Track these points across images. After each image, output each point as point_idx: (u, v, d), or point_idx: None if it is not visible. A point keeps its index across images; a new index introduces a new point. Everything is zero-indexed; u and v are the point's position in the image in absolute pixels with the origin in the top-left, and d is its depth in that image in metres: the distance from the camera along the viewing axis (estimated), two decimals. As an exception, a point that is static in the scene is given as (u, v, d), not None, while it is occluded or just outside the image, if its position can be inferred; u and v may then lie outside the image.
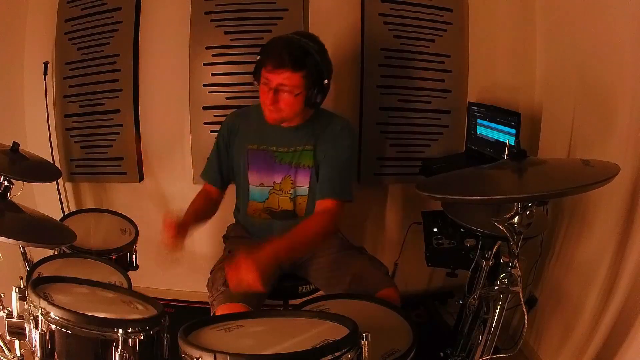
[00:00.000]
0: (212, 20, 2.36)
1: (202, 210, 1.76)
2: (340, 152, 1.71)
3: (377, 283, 1.61)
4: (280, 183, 1.78)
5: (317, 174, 1.74)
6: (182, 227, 1.57)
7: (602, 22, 1.80)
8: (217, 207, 1.85)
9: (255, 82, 1.64)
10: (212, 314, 1.57)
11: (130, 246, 1.95)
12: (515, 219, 1.21)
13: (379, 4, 2.39)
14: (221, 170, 1.84)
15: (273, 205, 1.81)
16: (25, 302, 1.25)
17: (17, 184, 1.66)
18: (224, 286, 1.55)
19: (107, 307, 1.29)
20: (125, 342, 1.15)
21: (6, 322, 1.37)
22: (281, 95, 1.58)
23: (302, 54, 1.54)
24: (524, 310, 1.30)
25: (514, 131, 2.06)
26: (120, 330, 1.14)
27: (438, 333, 2.42)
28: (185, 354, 1.00)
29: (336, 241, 1.87)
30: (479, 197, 1.23)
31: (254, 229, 1.88)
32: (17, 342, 1.48)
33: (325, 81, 1.62)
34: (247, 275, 1.30)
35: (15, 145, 1.68)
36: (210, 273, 1.74)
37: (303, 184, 1.77)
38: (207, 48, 2.39)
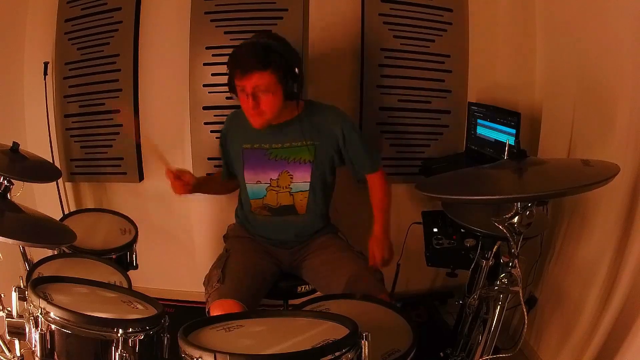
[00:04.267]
0: (212, 20, 2.36)
1: (215, 184, 2.03)
2: (355, 140, 1.82)
3: (370, 289, 1.61)
4: (278, 179, 1.81)
5: (322, 168, 1.82)
6: (187, 178, 1.75)
7: (602, 22, 1.80)
8: (232, 186, 2.04)
9: (234, 95, 1.71)
10: (206, 310, 1.58)
11: (130, 246, 1.95)
12: (515, 219, 1.21)
13: (379, 4, 2.39)
14: (229, 170, 1.98)
15: (271, 201, 1.83)
16: (25, 302, 1.25)
17: (17, 184, 1.66)
18: (218, 283, 1.60)
19: (107, 307, 1.30)
20: (125, 342, 1.15)
21: (6, 322, 1.38)
22: (260, 97, 1.62)
23: (264, 52, 1.58)
24: (524, 310, 1.30)
25: (513, 131, 2.06)
26: (120, 330, 1.14)
27: (438, 333, 2.42)
28: (185, 354, 1.00)
29: (334, 241, 1.88)
30: (479, 197, 1.23)
31: (255, 226, 1.90)
32: (17, 342, 1.47)
33: (296, 69, 1.66)
34: (387, 249, 1.82)
35: (15, 145, 1.68)
36: (208, 272, 1.75)
37: (303, 179, 1.80)
38: (207, 48, 2.39)
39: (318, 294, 1.83)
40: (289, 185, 1.81)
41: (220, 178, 2.02)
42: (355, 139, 1.82)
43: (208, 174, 2.38)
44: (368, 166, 1.87)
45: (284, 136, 1.79)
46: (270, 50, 1.59)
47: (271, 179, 1.81)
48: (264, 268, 1.77)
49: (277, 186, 1.81)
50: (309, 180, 1.81)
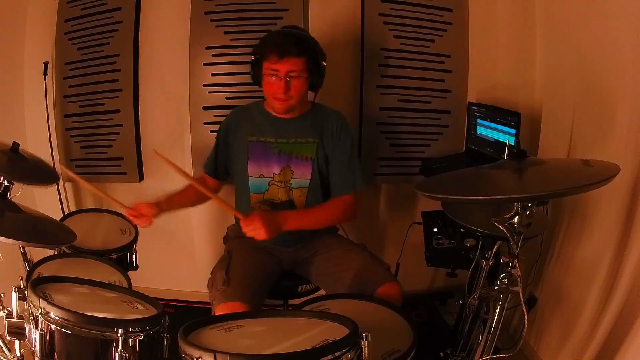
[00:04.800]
0: (212, 20, 2.36)
1: (187, 199, 1.86)
2: (344, 147, 1.82)
3: (379, 278, 1.63)
4: (280, 174, 1.82)
5: (320, 167, 1.82)
6: (155, 208, 1.74)
7: (601, 22, 1.80)
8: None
9: (256, 80, 1.75)
10: (212, 313, 1.58)
11: (130, 247, 1.95)
12: (515, 219, 1.21)
13: (379, 4, 2.39)
14: (216, 165, 1.95)
15: (273, 196, 1.84)
16: (25, 302, 1.25)
17: (17, 183, 1.66)
18: (224, 285, 1.59)
19: (107, 307, 1.30)
20: (125, 342, 1.15)
21: (6, 322, 1.38)
22: (291, 82, 1.68)
23: (300, 41, 1.69)
24: (524, 310, 1.30)
25: (513, 131, 2.06)
26: (120, 330, 1.14)
27: (438, 333, 2.42)
28: (185, 354, 1.00)
29: (336, 239, 1.90)
30: (479, 197, 1.23)
31: None
32: (17, 342, 1.48)
33: (323, 63, 1.76)
34: (257, 229, 1.55)
35: (15, 145, 1.68)
36: (211, 274, 1.75)
37: (304, 175, 1.82)
38: (207, 48, 2.39)
39: (318, 294, 1.83)
40: (289, 180, 1.82)
41: (190, 190, 1.86)
42: (344, 145, 1.81)
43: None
44: (347, 183, 1.80)
45: (290, 132, 1.81)
46: (305, 40, 1.71)
47: (274, 173, 1.82)
48: (266, 267, 1.78)
49: (279, 181, 1.83)
50: (309, 177, 1.82)
